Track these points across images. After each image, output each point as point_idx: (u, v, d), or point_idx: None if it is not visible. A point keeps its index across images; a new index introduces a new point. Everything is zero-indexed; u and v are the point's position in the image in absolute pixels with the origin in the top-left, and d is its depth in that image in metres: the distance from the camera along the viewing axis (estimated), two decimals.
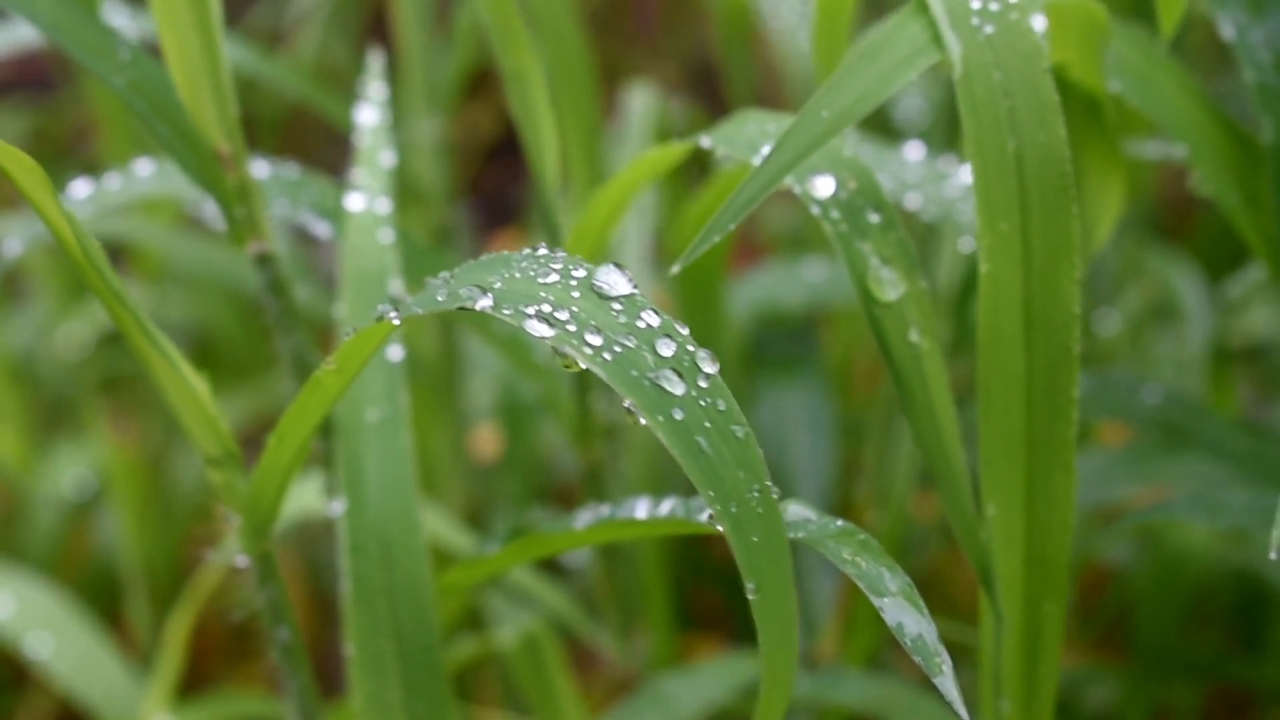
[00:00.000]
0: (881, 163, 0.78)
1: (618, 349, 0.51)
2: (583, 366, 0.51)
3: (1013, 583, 0.63)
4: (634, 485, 0.98)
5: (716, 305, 0.97)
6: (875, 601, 0.55)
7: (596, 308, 0.53)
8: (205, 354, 1.30)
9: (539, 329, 0.51)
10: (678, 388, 0.52)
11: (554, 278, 0.53)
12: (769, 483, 0.53)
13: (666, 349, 0.52)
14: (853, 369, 1.17)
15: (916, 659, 0.54)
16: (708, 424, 0.52)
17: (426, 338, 1.09)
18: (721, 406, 0.52)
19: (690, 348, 0.52)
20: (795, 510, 0.60)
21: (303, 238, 1.28)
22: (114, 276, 0.59)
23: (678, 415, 0.51)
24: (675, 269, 0.57)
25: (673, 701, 0.88)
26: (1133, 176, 0.96)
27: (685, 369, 0.52)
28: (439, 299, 0.53)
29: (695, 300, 0.96)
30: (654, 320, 0.53)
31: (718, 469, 0.51)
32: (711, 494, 0.51)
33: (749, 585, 0.52)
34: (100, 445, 1.17)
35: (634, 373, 0.51)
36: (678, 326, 0.53)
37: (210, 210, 0.69)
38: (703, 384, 0.52)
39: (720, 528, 0.51)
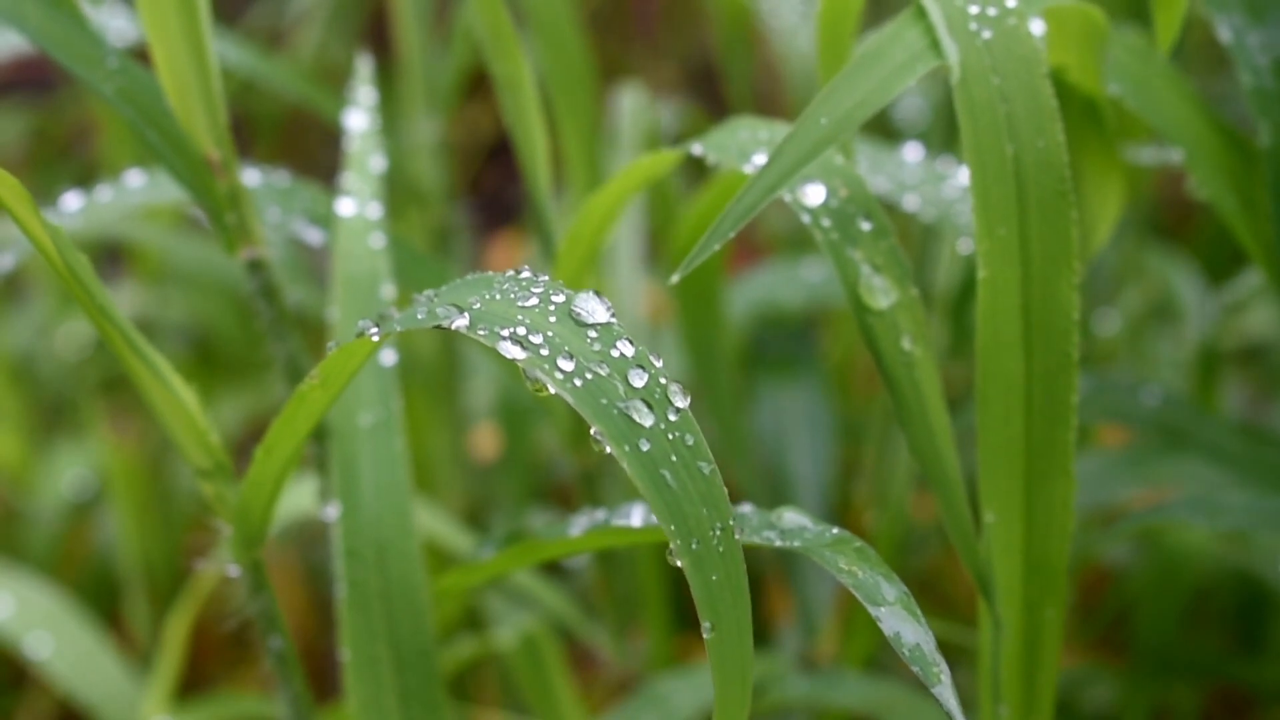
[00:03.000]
0: (879, 164, 0.77)
1: (589, 376, 0.51)
2: (552, 391, 0.51)
3: (1012, 589, 0.63)
4: (630, 488, 0.98)
5: (715, 305, 0.97)
6: (872, 611, 0.55)
7: (572, 334, 0.52)
8: (204, 354, 1.30)
9: (512, 351, 0.51)
10: (646, 419, 0.51)
11: (533, 301, 0.53)
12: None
13: (639, 379, 0.52)
14: (852, 369, 1.17)
15: (914, 669, 0.54)
16: (674, 458, 0.51)
17: (425, 339, 1.09)
18: (689, 441, 0.52)
19: (662, 380, 0.52)
20: (791, 518, 0.60)
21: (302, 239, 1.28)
22: (100, 291, 0.59)
23: (644, 446, 0.51)
24: (675, 279, 0.57)
25: (670, 702, 0.88)
26: (1132, 177, 0.96)
27: (656, 401, 0.52)
28: (419, 317, 0.53)
29: (693, 300, 0.96)
30: (628, 350, 0.52)
31: (681, 504, 0.51)
32: (673, 529, 0.51)
33: (705, 624, 0.51)
34: (100, 445, 1.17)
35: (603, 401, 0.51)
36: (652, 358, 0.52)
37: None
38: (672, 417, 0.52)
39: (680, 563, 0.51)
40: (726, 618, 0.52)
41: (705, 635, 0.51)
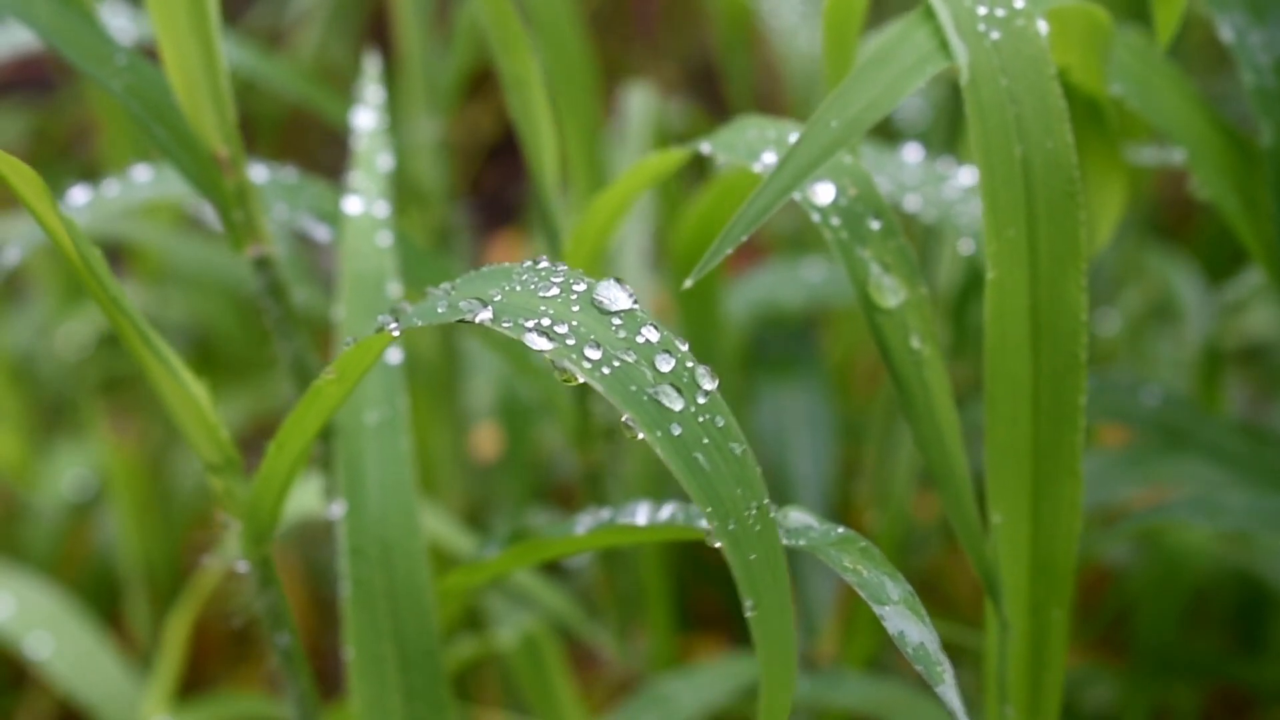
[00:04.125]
0: (881, 164, 0.77)
1: (616, 364, 0.51)
2: (581, 380, 0.51)
3: (1018, 589, 0.63)
4: (633, 487, 0.98)
5: (715, 306, 0.97)
6: (877, 610, 0.55)
7: (596, 322, 0.52)
8: (205, 354, 1.30)
9: (538, 342, 0.51)
10: (676, 403, 0.51)
11: (554, 291, 0.53)
12: (768, 492, 0.52)
13: (665, 364, 0.52)
14: (853, 369, 1.17)
15: (918, 668, 0.54)
16: (706, 440, 0.51)
17: (426, 337, 1.09)
18: (720, 423, 0.52)
19: (689, 364, 0.52)
20: (796, 517, 0.60)
21: (304, 238, 1.28)
22: (113, 283, 0.59)
23: (676, 431, 0.51)
24: (688, 283, 0.57)
25: (672, 702, 0.88)
26: (1133, 177, 0.96)
27: (684, 384, 0.52)
28: (439, 310, 0.53)
29: (694, 300, 0.96)
30: (654, 335, 0.52)
31: (716, 486, 0.51)
32: (710, 511, 0.51)
33: (747, 603, 0.52)
34: (100, 445, 1.17)
35: (633, 388, 0.51)
36: (677, 342, 0.53)
37: (210, 211, 0.69)
38: (701, 400, 0.52)
39: (718, 544, 0.51)
40: (767, 595, 0.52)
41: (748, 614, 0.52)
